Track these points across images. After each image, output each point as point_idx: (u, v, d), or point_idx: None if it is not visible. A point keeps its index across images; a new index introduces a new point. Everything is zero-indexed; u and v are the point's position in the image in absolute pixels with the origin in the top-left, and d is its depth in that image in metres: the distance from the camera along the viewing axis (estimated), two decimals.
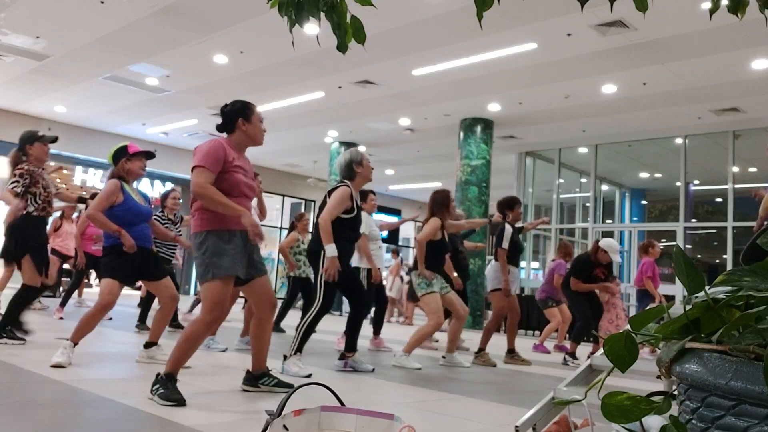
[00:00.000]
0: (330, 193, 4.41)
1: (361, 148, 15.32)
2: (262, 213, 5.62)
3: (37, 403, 2.65)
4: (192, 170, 3.07)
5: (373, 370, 4.56)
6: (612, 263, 6.42)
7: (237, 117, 3.25)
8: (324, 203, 4.41)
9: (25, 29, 9.41)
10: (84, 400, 2.81)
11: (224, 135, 3.31)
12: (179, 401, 2.80)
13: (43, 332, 5.38)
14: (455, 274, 7.01)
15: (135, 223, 4.07)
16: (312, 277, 6.14)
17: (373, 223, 6.40)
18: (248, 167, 3.30)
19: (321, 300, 4.26)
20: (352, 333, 4.53)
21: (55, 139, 4.87)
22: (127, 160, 4.16)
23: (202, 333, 2.99)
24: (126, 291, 15.37)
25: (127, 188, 4.15)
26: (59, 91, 12.66)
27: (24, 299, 4.60)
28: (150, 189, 17.17)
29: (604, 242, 6.28)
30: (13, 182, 4.59)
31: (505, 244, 5.82)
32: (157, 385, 2.88)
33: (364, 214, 5.96)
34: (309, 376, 3.99)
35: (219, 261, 3.00)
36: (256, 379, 3.37)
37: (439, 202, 5.37)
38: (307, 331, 4.22)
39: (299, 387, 1.87)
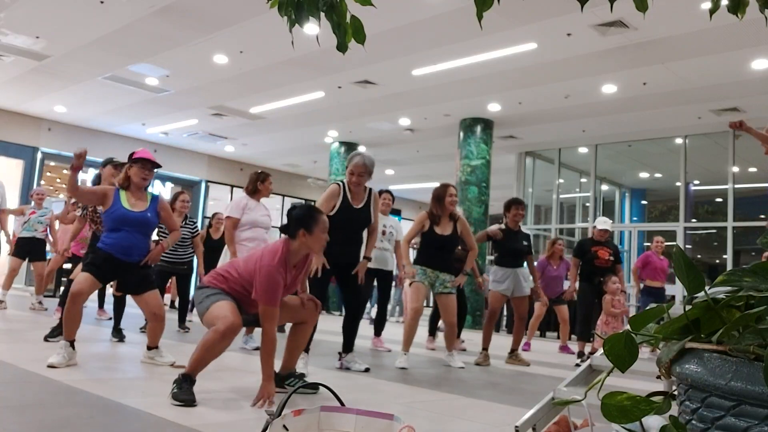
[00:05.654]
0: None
1: (361, 148, 15.32)
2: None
3: (36, 403, 2.65)
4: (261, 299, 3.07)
5: (367, 369, 4.54)
6: (616, 251, 6.66)
7: (299, 227, 3.18)
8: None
9: (24, 29, 9.41)
10: (84, 400, 2.80)
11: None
12: (186, 402, 2.82)
13: (43, 332, 5.38)
14: (480, 279, 7.10)
15: (116, 229, 3.99)
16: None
17: (386, 221, 6.47)
18: (293, 275, 3.28)
19: None
20: (346, 334, 4.61)
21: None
22: (130, 167, 4.14)
23: (216, 342, 2.97)
24: None
25: (123, 195, 4.07)
26: (59, 91, 12.65)
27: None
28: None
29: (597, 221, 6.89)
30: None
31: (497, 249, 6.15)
32: (174, 385, 2.92)
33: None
34: (300, 376, 3.97)
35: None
36: (283, 379, 3.46)
37: (435, 196, 5.34)
38: None
39: (298, 387, 1.87)
